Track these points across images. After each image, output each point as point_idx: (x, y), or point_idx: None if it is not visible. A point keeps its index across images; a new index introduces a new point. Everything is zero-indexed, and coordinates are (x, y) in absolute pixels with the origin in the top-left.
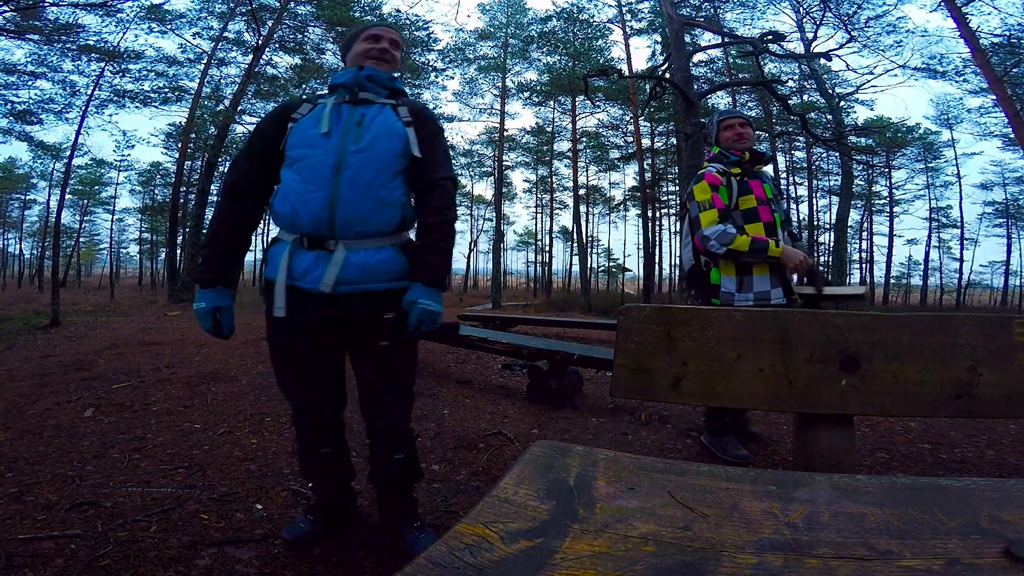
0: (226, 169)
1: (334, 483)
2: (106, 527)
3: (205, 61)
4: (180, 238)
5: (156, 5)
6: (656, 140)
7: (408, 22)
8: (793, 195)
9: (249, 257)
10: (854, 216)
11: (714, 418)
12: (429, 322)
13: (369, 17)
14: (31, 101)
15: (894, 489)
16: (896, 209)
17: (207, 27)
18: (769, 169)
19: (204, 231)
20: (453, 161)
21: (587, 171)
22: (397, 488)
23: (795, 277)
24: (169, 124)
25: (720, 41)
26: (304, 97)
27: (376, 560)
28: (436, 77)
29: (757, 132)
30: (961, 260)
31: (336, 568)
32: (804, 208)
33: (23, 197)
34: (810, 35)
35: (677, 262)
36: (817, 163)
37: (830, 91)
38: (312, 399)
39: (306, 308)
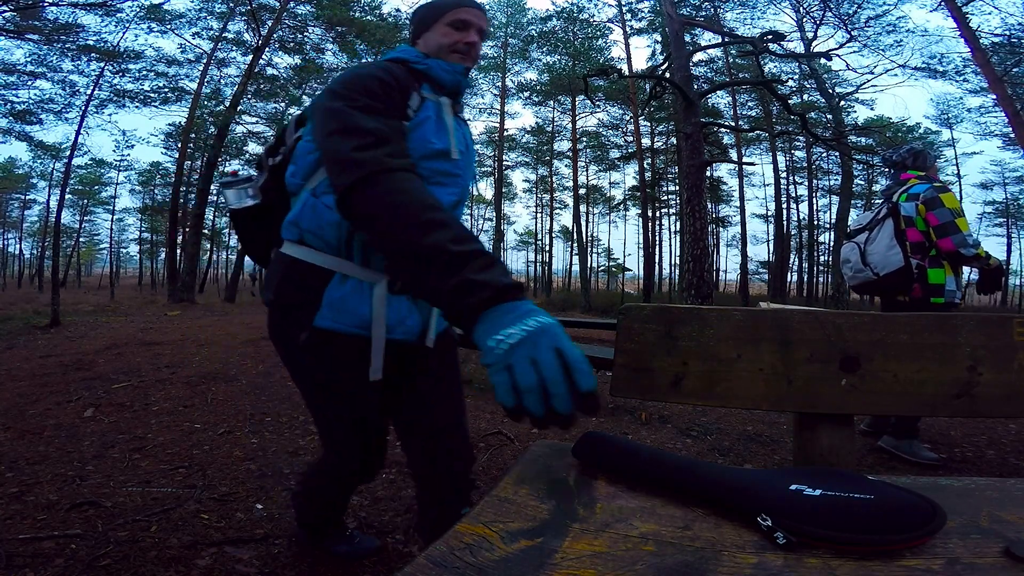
0: (356, 145)
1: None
2: (106, 527)
3: (205, 61)
4: (180, 238)
5: (156, 5)
6: (656, 140)
7: (408, 22)
8: (793, 195)
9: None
10: (854, 216)
11: (905, 419)
12: None
13: (369, 17)
14: (31, 101)
15: None
16: None
17: (207, 27)
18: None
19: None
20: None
21: (587, 171)
22: None
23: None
24: (169, 124)
25: (720, 41)
26: (389, 69)
27: (376, 560)
28: None
29: (756, 132)
30: None
31: (336, 568)
32: (804, 208)
33: (23, 197)
34: (810, 35)
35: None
36: (817, 163)
37: (830, 91)
38: (377, 441)
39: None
